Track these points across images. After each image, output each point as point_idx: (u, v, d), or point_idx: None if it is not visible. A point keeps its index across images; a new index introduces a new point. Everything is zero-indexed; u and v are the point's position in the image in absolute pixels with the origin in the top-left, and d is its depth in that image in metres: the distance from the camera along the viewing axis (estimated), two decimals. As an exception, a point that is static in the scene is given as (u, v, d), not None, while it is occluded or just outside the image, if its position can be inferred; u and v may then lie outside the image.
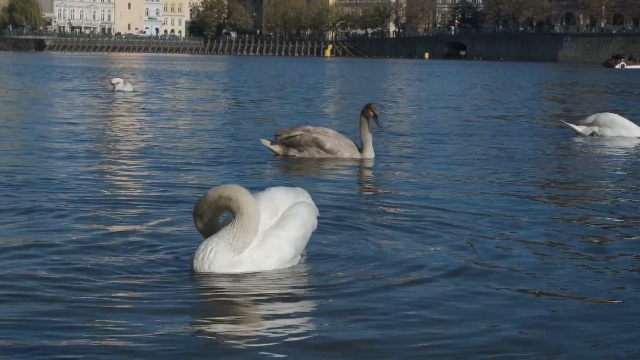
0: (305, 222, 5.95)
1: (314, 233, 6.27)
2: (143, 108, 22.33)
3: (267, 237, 5.73)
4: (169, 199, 8.72)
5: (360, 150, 12.16)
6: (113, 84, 29.28)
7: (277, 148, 12.32)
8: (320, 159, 12.09)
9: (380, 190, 9.90)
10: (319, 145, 12.18)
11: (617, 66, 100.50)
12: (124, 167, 11.17)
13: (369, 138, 12.11)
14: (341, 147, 12.18)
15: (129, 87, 29.43)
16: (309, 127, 12.50)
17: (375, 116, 11.88)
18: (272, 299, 5.23)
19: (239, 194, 5.62)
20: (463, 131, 17.12)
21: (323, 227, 7.08)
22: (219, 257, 5.58)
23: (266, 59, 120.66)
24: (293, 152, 12.25)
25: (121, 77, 31.29)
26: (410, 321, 4.90)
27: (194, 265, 5.64)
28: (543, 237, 7.27)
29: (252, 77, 48.54)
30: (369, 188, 10.33)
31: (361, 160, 12.03)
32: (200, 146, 13.57)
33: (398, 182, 10.41)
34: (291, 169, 11.41)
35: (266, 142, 12.41)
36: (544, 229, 7.61)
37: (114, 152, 12.75)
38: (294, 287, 5.51)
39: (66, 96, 26.81)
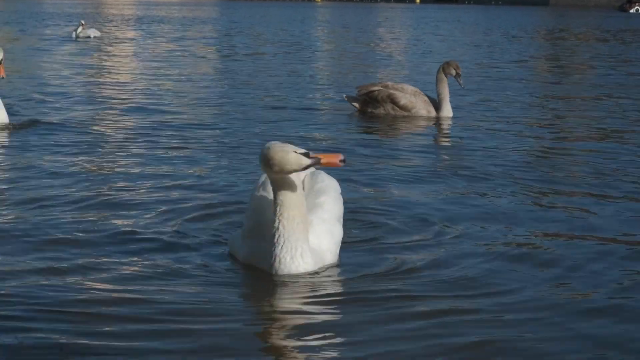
0: (337, 193, 5.63)
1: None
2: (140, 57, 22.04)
3: (311, 224, 5.29)
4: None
5: (437, 108, 12.13)
6: (83, 24, 27.93)
7: (357, 103, 12.37)
8: (395, 116, 12.10)
9: (464, 152, 9.72)
10: (394, 102, 12.17)
11: (632, 10, 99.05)
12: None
13: (446, 96, 12.07)
14: (417, 104, 12.15)
15: (95, 33, 28.18)
16: (388, 83, 12.48)
17: (457, 75, 11.85)
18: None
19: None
20: (535, 88, 16.74)
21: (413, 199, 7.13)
22: (306, 255, 5.13)
23: (257, 3, 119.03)
24: (370, 108, 12.26)
25: (84, 22, 29.15)
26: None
27: (278, 269, 5.11)
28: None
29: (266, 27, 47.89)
30: (453, 149, 10.20)
31: (438, 119, 12.03)
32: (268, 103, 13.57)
33: (483, 143, 10.19)
34: (363, 127, 11.44)
35: (348, 98, 12.48)
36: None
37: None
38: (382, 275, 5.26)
39: (27, 44, 25.58)
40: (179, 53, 23.46)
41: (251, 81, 16.59)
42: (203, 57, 22.33)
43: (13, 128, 10.10)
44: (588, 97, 15.26)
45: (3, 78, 9.89)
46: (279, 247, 5.06)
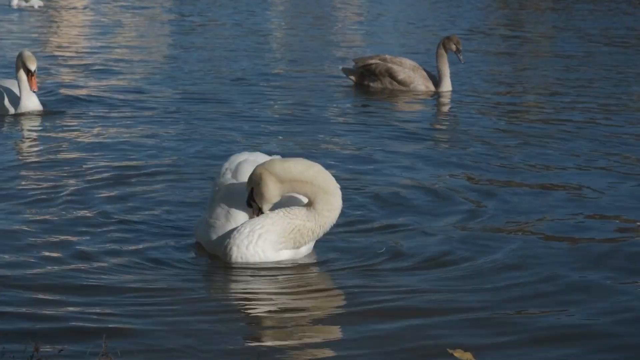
0: None
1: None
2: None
3: None
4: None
5: (437, 83, 11.81)
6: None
7: (353, 76, 12.01)
8: (393, 91, 11.76)
9: (461, 126, 9.61)
10: (392, 76, 11.85)
11: None
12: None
13: (446, 71, 11.78)
14: (415, 79, 11.85)
15: (38, 2, 26.24)
16: (386, 56, 12.10)
17: (457, 50, 11.58)
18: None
19: (325, 177, 4.89)
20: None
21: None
22: (264, 246, 4.83)
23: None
24: (367, 81, 11.90)
25: None
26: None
27: (232, 255, 4.85)
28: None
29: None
30: (451, 126, 10.05)
31: (437, 94, 11.74)
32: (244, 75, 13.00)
33: (482, 119, 10.03)
34: (360, 101, 11.14)
35: (344, 70, 12.14)
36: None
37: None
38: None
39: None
40: (132, 22, 22.36)
41: (230, 51, 15.61)
42: (162, 26, 21.28)
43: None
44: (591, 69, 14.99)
45: (35, 92, 9.05)
46: (239, 231, 4.83)
